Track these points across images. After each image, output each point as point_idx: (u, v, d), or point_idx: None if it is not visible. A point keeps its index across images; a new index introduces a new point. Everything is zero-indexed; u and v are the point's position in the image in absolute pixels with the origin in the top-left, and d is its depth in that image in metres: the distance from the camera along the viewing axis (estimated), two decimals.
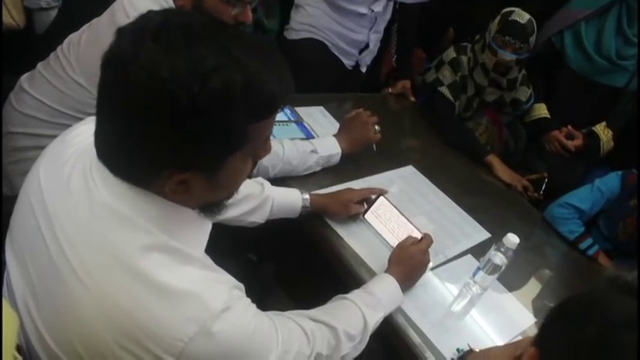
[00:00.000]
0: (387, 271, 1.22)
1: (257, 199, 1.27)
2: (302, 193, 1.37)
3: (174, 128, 0.63)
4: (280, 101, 0.70)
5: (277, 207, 1.32)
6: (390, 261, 1.26)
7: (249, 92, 0.65)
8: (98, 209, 0.71)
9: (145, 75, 0.61)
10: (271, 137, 1.66)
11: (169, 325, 0.67)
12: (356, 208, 1.42)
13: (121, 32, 0.66)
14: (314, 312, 1.00)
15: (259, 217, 1.30)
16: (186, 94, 0.61)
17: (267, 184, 1.31)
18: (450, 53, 2.25)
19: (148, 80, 0.61)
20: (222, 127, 0.65)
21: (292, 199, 1.35)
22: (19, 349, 0.72)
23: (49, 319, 0.72)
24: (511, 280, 1.49)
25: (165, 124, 0.63)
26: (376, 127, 1.66)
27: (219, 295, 0.71)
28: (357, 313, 1.06)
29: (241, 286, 0.79)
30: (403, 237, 1.33)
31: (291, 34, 2.24)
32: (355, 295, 1.11)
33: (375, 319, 1.09)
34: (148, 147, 0.66)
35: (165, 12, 0.69)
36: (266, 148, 0.80)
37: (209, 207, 0.78)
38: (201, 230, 0.80)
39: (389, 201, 1.50)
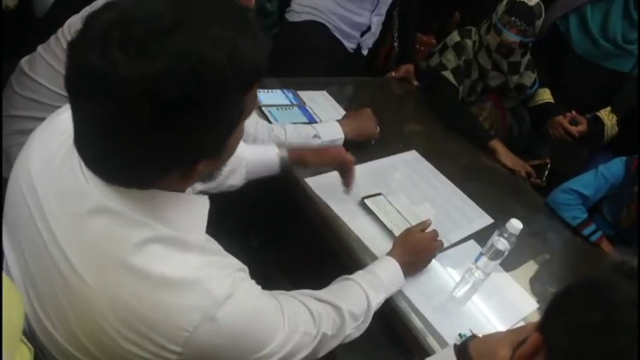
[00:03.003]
0: (389, 253, 1.23)
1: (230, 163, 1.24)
2: (278, 148, 1.34)
3: (179, 131, 0.62)
4: (264, 64, 0.68)
5: (252, 166, 1.28)
6: (394, 243, 1.26)
7: (235, 68, 0.62)
8: (90, 206, 0.69)
9: (130, 90, 0.58)
10: (273, 121, 1.66)
11: (173, 315, 0.67)
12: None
13: (83, 40, 0.61)
14: (318, 292, 1.00)
15: (236, 180, 1.26)
16: (182, 94, 0.59)
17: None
18: (454, 37, 2.22)
19: (136, 94, 0.58)
20: (223, 110, 0.65)
21: (266, 155, 1.32)
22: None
23: (52, 311, 0.71)
24: (514, 265, 1.49)
25: (169, 129, 0.61)
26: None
27: (222, 280, 0.71)
28: (360, 294, 1.06)
29: (245, 268, 0.78)
30: (403, 225, 1.33)
31: (293, 17, 2.22)
32: (358, 275, 1.11)
33: (377, 300, 1.09)
34: (150, 155, 0.64)
35: (124, 3, 0.62)
36: (255, 103, 0.77)
37: (208, 176, 0.79)
38: (198, 212, 0.78)
39: (387, 199, 1.49)
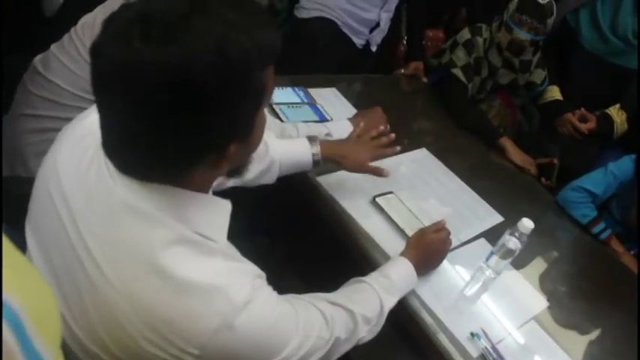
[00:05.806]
0: (402, 254, 1.23)
1: (264, 162, 1.22)
2: (311, 145, 1.30)
3: (211, 111, 0.63)
4: (279, 47, 0.70)
5: (285, 166, 1.28)
6: (408, 244, 1.26)
7: (258, 47, 0.64)
8: (116, 205, 0.70)
9: (158, 76, 0.59)
10: (285, 120, 1.66)
11: (192, 318, 0.68)
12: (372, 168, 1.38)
13: (105, 40, 0.62)
14: (331, 295, 1.00)
15: (269, 180, 1.27)
16: (212, 72, 0.60)
17: (270, 143, 1.24)
18: (465, 34, 2.21)
19: (164, 79, 0.59)
20: (249, 87, 0.66)
21: (300, 156, 1.30)
22: None
23: (76, 310, 0.72)
24: (523, 263, 1.50)
25: (201, 110, 0.62)
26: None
27: (242, 287, 0.71)
28: (374, 297, 1.06)
29: (263, 274, 0.79)
30: (415, 224, 1.32)
31: (302, 13, 2.22)
32: (372, 278, 1.11)
33: (390, 303, 1.10)
34: (183, 143, 0.65)
35: (140, 3, 0.64)
36: (273, 84, 0.79)
37: (237, 170, 0.80)
38: (220, 214, 0.79)
39: (398, 197, 1.49)
